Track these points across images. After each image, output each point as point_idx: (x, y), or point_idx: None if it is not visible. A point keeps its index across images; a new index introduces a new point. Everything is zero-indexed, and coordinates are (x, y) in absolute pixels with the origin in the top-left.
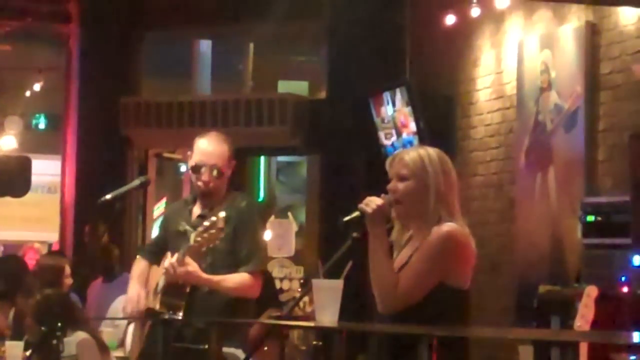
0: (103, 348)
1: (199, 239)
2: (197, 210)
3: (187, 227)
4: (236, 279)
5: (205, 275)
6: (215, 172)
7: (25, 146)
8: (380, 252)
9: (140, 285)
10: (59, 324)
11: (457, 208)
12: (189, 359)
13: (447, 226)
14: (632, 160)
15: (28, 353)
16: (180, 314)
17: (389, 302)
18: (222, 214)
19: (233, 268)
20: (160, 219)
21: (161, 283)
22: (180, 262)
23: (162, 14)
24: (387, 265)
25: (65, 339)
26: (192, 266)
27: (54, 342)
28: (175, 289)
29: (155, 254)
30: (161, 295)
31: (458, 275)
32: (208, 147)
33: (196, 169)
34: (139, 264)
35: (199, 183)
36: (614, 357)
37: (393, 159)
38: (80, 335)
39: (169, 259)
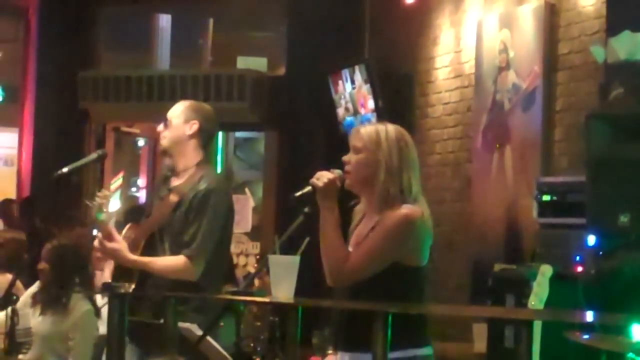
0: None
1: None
2: (173, 182)
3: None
4: (167, 262)
5: (131, 257)
6: (164, 124)
7: None
8: (330, 226)
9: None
10: (72, 275)
11: (416, 187)
12: (144, 333)
13: (406, 208)
14: (588, 141)
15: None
16: (132, 286)
17: (337, 276)
18: (105, 192)
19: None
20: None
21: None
22: (107, 237)
23: None
24: (336, 238)
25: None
26: (119, 244)
27: (64, 299)
28: None
29: None
30: (114, 268)
31: (413, 255)
32: (178, 104)
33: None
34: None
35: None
36: (567, 336)
37: (352, 132)
38: (84, 305)
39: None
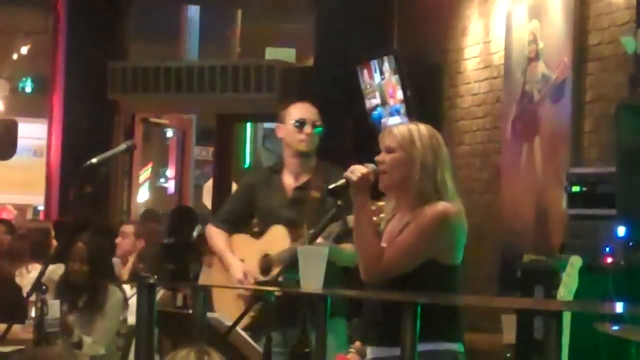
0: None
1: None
2: (289, 180)
3: (284, 205)
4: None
5: None
6: (317, 128)
7: (12, 109)
8: (364, 221)
9: (237, 259)
10: (107, 272)
11: (450, 185)
12: (173, 323)
13: (442, 205)
14: (618, 132)
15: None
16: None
17: (372, 271)
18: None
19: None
20: (241, 188)
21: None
22: None
23: None
24: (370, 234)
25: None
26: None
27: (100, 297)
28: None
29: (232, 224)
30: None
31: (448, 253)
32: (309, 106)
33: (300, 123)
34: (221, 236)
35: (302, 138)
36: (597, 327)
37: (384, 132)
38: (116, 293)
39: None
